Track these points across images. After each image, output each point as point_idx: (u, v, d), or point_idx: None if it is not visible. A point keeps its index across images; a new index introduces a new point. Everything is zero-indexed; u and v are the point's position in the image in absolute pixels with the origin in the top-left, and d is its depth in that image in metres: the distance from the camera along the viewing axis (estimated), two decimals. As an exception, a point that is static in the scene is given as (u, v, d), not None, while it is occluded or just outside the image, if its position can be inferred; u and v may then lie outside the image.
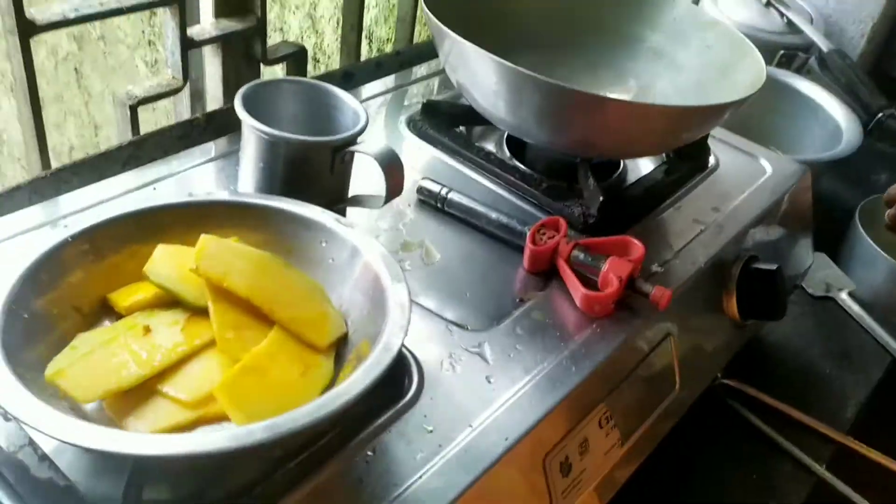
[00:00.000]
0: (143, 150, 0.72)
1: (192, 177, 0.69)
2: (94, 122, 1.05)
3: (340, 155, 0.61)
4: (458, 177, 0.76)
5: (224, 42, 0.76)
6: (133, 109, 0.71)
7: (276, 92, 0.66)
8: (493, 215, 0.69)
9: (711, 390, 0.83)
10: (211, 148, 0.73)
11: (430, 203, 0.71)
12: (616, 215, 0.72)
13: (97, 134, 1.08)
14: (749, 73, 0.76)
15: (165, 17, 0.71)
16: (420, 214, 0.71)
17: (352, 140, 0.61)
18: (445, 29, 0.70)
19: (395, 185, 0.61)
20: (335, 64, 0.92)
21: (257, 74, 0.82)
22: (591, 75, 0.88)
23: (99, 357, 0.46)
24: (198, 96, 0.80)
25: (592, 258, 0.65)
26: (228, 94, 0.79)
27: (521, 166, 0.77)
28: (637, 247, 0.67)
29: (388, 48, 1.06)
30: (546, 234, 0.67)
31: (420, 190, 0.71)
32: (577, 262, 0.66)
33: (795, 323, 0.95)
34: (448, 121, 0.80)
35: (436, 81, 0.92)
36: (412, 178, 0.73)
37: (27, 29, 0.60)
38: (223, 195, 0.57)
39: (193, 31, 0.73)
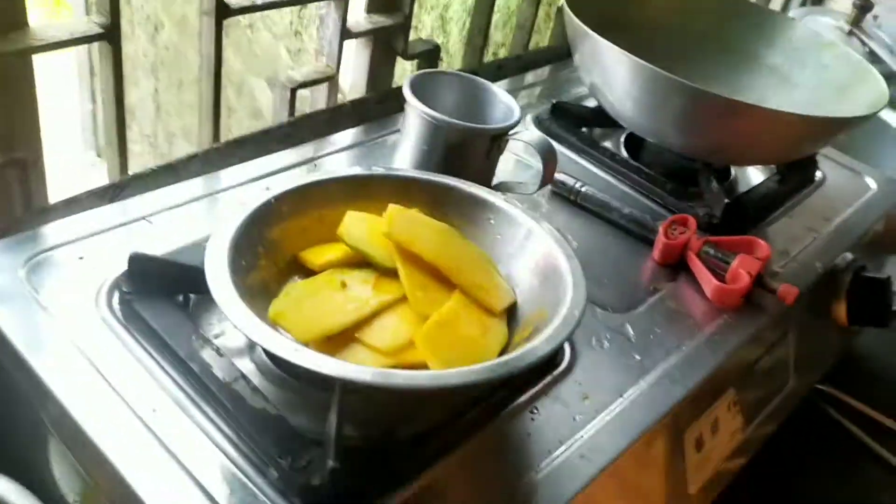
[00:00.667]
0: (296, 130, 0.77)
1: (344, 158, 0.75)
2: (229, 105, 1.11)
3: (498, 142, 0.66)
4: (585, 173, 0.80)
5: (374, 36, 0.81)
6: (293, 92, 0.76)
7: (437, 83, 0.71)
8: (627, 210, 0.74)
9: (808, 396, 0.87)
10: (353, 134, 0.78)
11: (564, 195, 0.76)
12: (737, 218, 0.76)
13: (230, 116, 1.14)
14: (869, 94, 0.80)
15: (329, 9, 0.76)
16: (554, 205, 0.75)
17: (509, 129, 0.66)
18: (587, 29, 0.75)
19: (549, 173, 0.66)
20: (457, 63, 0.97)
21: (393, 67, 0.87)
22: (708, 88, 0.92)
23: (310, 304, 0.51)
24: (334, 85, 0.85)
25: (722, 254, 0.69)
26: (369, 85, 0.85)
27: (643, 167, 0.81)
28: (763, 246, 0.71)
29: (503, 52, 1.12)
30: (676, 229, 0.72)
31: (556, 182, 0.76)
32: (707, 256, 0.70)
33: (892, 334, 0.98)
34: (574, 122, 0.85)
35: (550, 86, 0.97)
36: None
37: (222, 11, 0.66)
38: (404, 171, 0.62)
39: (349, 23, 0.79)
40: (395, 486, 0.47)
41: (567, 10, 0.77)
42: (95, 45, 0.61)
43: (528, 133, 0.66)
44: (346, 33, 0.78)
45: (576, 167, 0.81)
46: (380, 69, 0.86)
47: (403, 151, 0.69)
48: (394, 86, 0.88)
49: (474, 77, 0.72)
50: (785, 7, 1.60)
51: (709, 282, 0.68)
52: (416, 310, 0.52)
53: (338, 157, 0.75)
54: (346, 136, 0.78)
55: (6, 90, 0.58)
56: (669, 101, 0.72)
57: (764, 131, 0.73)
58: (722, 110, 0.71)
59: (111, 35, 0.61)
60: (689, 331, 0.64)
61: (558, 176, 0.76)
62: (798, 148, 0.77)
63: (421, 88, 0.69)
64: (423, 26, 1.01)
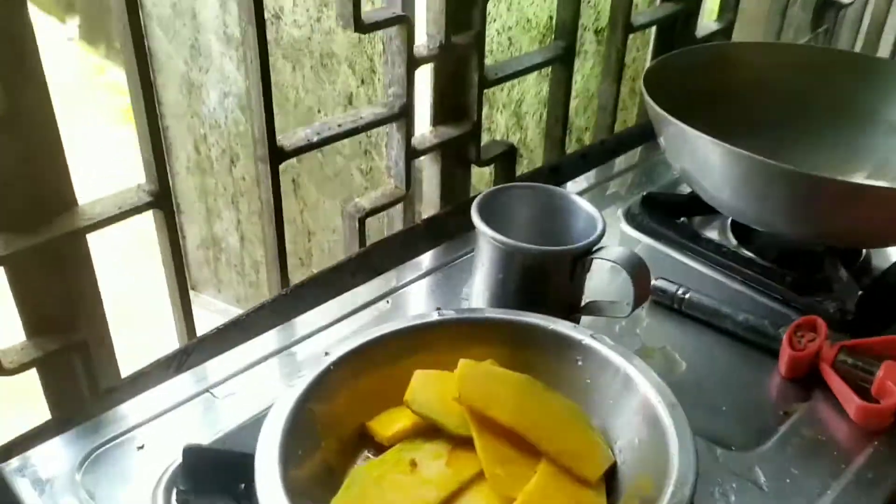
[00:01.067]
0: (369, 260, 0.73)
1: (419, 289, 0.69)
2: (308, 229, 1.10)
3: (581, 262, 0.59)
4: (688, 272, 0.72)
5: (443, 149, 0.76)
6: (361, 222, 0.72)
7: (510, 198, 0.65)
8: (741, 317, 0.64)
9: None
10: (430, 257, 0.73)
11: (666, 304, 0.67)
12: (876, 311, 0.66)
13: (310, 239, 1.13)
14: None
15: (391, 130, 0.72)
16: (655, 316, 0.67)
17: (591, 247, 0.59)
18: (667, 116, 0.67)
19: (642, 292, 0.58)
20: (538, 158, 0.91)
21: (469, 176, 0.82)
22: (818, 156, 0.82)
23: (376, 495, 0.45)
24: (409, 201, 0.81)
25: (863, 362, 0.59)
26: (444, 197, 0.80)
27: (756, 257, 0.72)
28: (912, 349, 0.60)
29: (587, 137, 1.05)
30: (804, 336, 0.62)
31: (654, 290, 0.68)
32: (844, 367, 0.59)
33: None
34: (669, 211, 0.77)
35: (641, 171, 0.89)
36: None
37: (278, 155, 0.63)
38: (474, 312, 0.56)
39: (415, 141, 0.75)
40: None
41: (645, 93, 0.70)
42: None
43: (613, 250, 0.59)
44: (412, 153, 0.73)
45: (677, 266, 0.73)
46: (453, 181, 0.81)
47: (478, 280, 0.63)
48: (473, 194, 0.82)
49: (549, 187, 0.66)
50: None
51: (850, 400, 0.57)
52: (496, 491, 0.46)
53: (414, 287, 0.70)
54: (423, 261, 0.73)
55: (61, 272, 0.57)
56: (775, 189, 0.63)
57: (890, 213, 0.62)
58: (840, 196, 0.61)
59: (162, 202, 0.58)
60: (834, 466, 0.54)
61: (657, 283, 0.68)
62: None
63: (491, 207, 0.63)
64: (497, 126, 0.96)
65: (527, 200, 0.66)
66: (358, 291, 0.68)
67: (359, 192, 1.05)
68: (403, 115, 0.70)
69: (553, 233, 0.65)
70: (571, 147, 1.07)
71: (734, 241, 0.75)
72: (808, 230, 0.67)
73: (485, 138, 0.96)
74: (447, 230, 0.77)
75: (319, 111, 1.01)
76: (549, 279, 0.60)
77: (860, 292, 0.64)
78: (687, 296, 0.66)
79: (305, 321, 0.65)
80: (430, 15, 0.70)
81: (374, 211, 0.74)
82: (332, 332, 0.64)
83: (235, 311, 1.28)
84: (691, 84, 0.81)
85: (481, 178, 1.01)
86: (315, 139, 0.65)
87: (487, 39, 0.93)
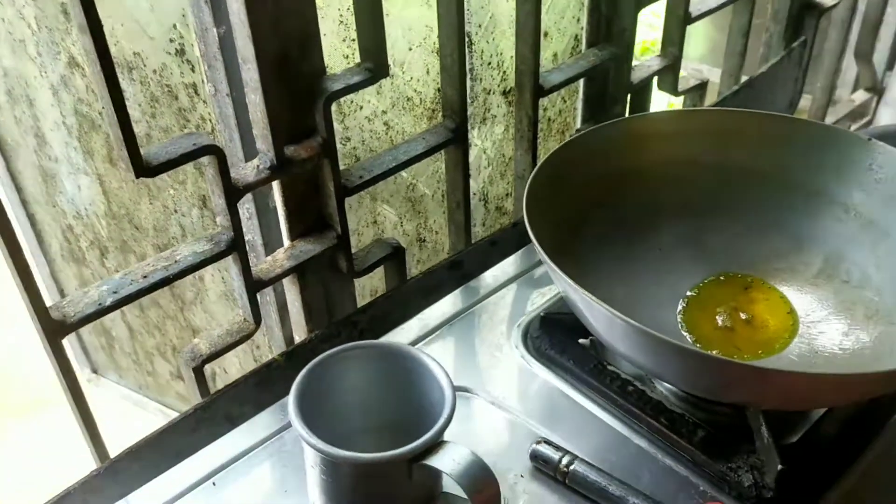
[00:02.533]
0: (212, 412, 0.62)
1: (259, 461, 0.58)
2: (192, 326, 0.99)
3: (418, 466, 0.48)
4: (586, 421, 0.60)
5: (300, 270, 0.65)
6: (198, 371, 0.62)
7: (347, 363, 0.54)
8: (631, 501, 0.52)
9: None
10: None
11: (549, 475, 0.56)
12: (805, 475, 0.53)
13: (195, 336, 1.02)
14: None
15: (228, 263, 0.61)
16: (538, 491, 0.56)
17: (431, 446, 0.48)
18: (542, 253, 0.55)
19: (485, 511, 0.47)
20: (445, 238, 0.79)
21: (349, 287, 0.70)
22: (759, 244, 0.69)
23: None
24: (285, 322, 0.70)
25: (771, 578, 0.47)
26: (314, 320, 0.69)
27: (670, 400, 0.59)
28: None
29: (509, 203, 0.93)
30: (703, 533, 0.50)
31: (535, 456, 0.56)
32: (749, 582, 0.48)
33: None
34: (571, 335, 0.64)
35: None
36: (526, 430, 0.59)
37: (55, 330, 0.52)
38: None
39: (264, 266, 0.63)
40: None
41: (527, 223, 0.57)
42: None
43: (447, 453, 0.47)
44: (256, 284, 0.62)
45: (575, 412, 0.61)
46: (328, 299, 0.69)
47: (311, 481, 0.52)
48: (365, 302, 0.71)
49: (394, 347, 0.54)
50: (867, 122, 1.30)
51: None
52: None
53: (254, 459, 0.59)
54: (273, 416, 0.62)
55: None
56: (671, 365, 0.51)
57: (812, 394, 0.49)
58: (743, 378, 0.49)
59: None
60: None
61: (539, 448, 0.56)
62: (877, 393, 0.53)
63: (324, 377, 0.52)
64: (385, 219, 0.83)
65: (371, 361, 0.55)
66: (182, 470, 0.58)
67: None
68: (233, 250, 0.59)
69: (402, 394, 0.54)
70: (492, 218, 0.94)
71: (639, 382, 0.63)
72: (714, 396, 0.55)
73: (370, 235, 0.84)
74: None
75: (176, 211, 0.89)
76: (384, 482, 0.50)
77: (780, 467, 0.52)
78: (572, 467, 0.55)
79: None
80: (256, 130, 0.58)
81: (216, 354, 0.63)
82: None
83: (138, 399, 1.18)
84: (598, 168, 0.68)
85: (369, 283, 0.89)
86: (110, 301, 0.54)
87: (356, 129, 0.81)
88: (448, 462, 0.47)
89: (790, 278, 0.67)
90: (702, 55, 1.86)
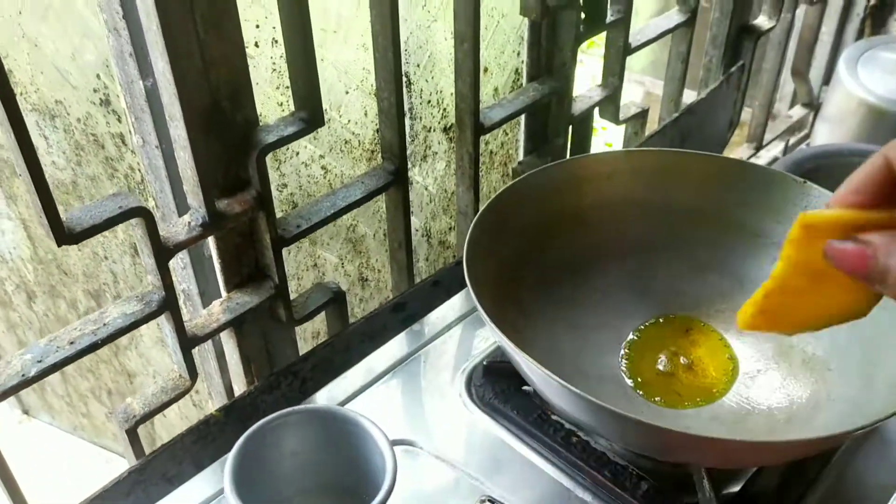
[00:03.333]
0: (148, 473, 0.60)
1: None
2: (127, 370, 0.96)
3: (357, 537, 0.47)
4: (529, 472, 0.60)
5: (237, 322, 0.63)
6: (132, 432, 0.60)
7: (283, 429, 0.53)
8: (574, 562, 0.52)
9: None
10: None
11: (493, 535, 0.55)
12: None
13: (132, 381, 0.99)
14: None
15: (161, 321, 0.59)
16: (480, 551, 0.55)
17: (369, 521, 0.47)
18: (478, 304, 0.54)
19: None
20: (387, 276, 0.78)
21: (289, 335, 0.69)
22: (700, 285, 0.70)
23: None
24: (224, 370, 0.68)
25: None
26: (254, 371, 0.67)
27: (614, 451, 0.59)
28: None
29: (452, 238, 0.92)
30: None
31: (477, 517, 0.56)
32: None
33: None
34: (516, 380, 0.64)
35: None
36: (471, 485, 0.58)
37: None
38: None
39: (199, 321, 0.61)
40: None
41: (465, 272, 0.56)
42: None
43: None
44: (190, 341, 0.60)
45: (517, 464, 0.60)
46: (269, 344, 0.68)
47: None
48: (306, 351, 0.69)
49: (333, 411, 0.53)
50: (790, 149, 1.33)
51: None
52: None
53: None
54: (218, 471, 0.60)
55: None
56: (609, 427, 0.51)
57: (748, 457, 0.50)
58: (679, 443, 0.48)
59: None
60: None
61: (482, 506, 0.56)
62: (811, 453, 0.54)
63: (264, 443, 0.51)
64: (325, 262, 0.82)
65: (309, 426, 0.53)
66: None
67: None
68: (166, 309, 0.57)
69: (350, 461, 0.53)
70: (435, 252, 0.94)
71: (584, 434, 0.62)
72: (647, 453, 0.55)
73: (310, 278, 0.82)
74: (259, 413, 0.65)
75: (106, 258, 0.87)
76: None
77: (720, 523, 0.52)
78: (515, 527, 0.54)
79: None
80: (186, 186, 0.56)
81: (150, 414, 0.61)
82: None
83: (71, 441, 1.14)
84: (542, 210, 0.68)
85: (313, 330, 0.87)
86: (32, 373, 0.51)
87: (293, 175, 0.79)
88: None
89: (730, 319, 0.68)
90: (643, 67, 1.88)
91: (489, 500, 0.56)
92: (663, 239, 0.71)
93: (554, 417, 0.62)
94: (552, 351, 0.63)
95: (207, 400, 0.89)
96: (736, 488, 0.57)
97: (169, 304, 0.57)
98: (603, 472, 0.58)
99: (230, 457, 0.49)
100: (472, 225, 0.61)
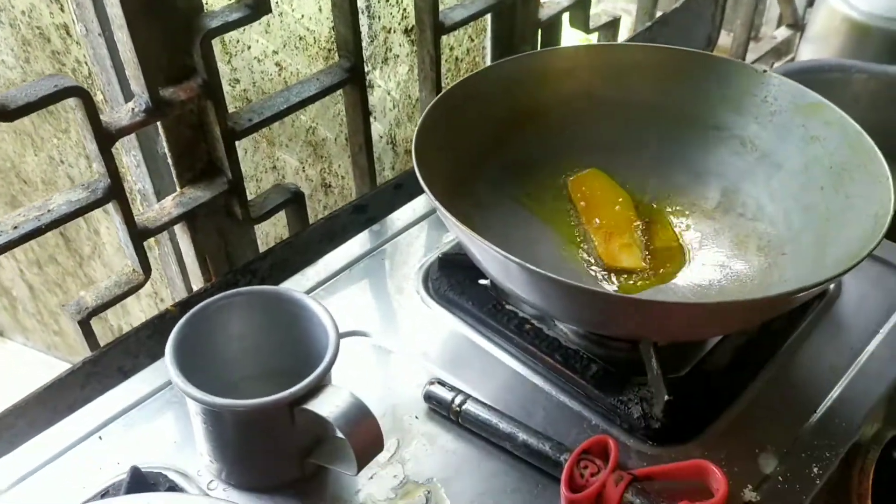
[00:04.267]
0: (103, 365, 0.61)
1: (147, 413, 0.57)
2: (92, 279, 0.96)
3: (299, 410, 0.47)
4: (485, 361, 0.60)
5: (191, 216, 0.63)
6: (84, 324, 0.60)
7: (230, 309, 0.53)
8: (521, 437, 0.53)
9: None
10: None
11: (443, 415, 0.56)
12: (693, 406, 0.54)
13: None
14: (867, 196, 0.55)
15: (107, 212, 0.59)
16: (431, 431, 0.55)
17: (311, 390, 0.47)
18: (427, 190, 0.53)
19: (364, 452, 0.46)
20: (351, 184, 0.77)
21: (247, 233, 0.69)
22: (660, 179, 0.69)
23: None
24: (185, 273, 0.68)
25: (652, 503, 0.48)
26: (212, 270, 0.67)
27: (567, 337, 0.59)
28: (717, 479, 0.49)
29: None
30: (590, 465, 0.50)
31: (428, 397, 0.56)
32: (632, 510, 0.48)
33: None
34: (472, 273, 0.64)
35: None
36: (424, 373, 0.59)
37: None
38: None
39: (150, 214, 0.61)
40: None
41: (414, 160, 0.56)
42: None
43: (326, 397, 0.46)
44: (141, 233, 0.60)
45: (473, 352, 0.61)
46: (226, 246, 0.68)
47: (195, 427, 0.51)
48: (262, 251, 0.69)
49: (278, 291, 0.53)
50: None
51: (630, 562, 0.47)
52: None
53: (145, 410, 0.57)
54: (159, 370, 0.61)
55: None
56: (555, 300, 0.51)
57: (693, 324, 0.50)
58: (626, 310, 0.48)
59: None
60: None
61: (432, 388, 0.56)
62: (755, 321, 0.54)
63: (208, 324, 0.51)
64: (285, 165, 0.81)
65: (255, 307, 0.53)
66: (70, 423, 0.56)
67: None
68: (112, 197, 0.56)
69: (297, 344, 0.53)
70: (402, 161, 0.93)
71: (537, 321, 0.62)
72: (600, 331, 0.55)
73: (270, 181, 0.82)
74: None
75: (62, 161, 0.86)
76: (266, 428, 0.49)
77: (667, 398, 0.52)
78: (464, 406, 0.55)
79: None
80: (129, 71, 0.55)
81: (102, 307, 0.61)
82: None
83: (45, 360, 1.15)
84: (499, 105, 0.67)
85: (274, 229, 0.87)
86: (-25, 255, 0.51)
87: (245, 70, 0.78)
88: (327, 406, 0.46)
89: (689, 212, 0.67)
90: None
91: (438, 382, 0.56)
92: (623, 135, 0.70)
93: (508, 307, 0.62)
94: (506, 241, 0.63)
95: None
96: (685, 370, 0.57)
97: (115, 193, 0.57)
98: (554, 357, 0.58)
99: (172, 333, 0.49)
100: (423, 114, 0.60)
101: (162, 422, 0.56)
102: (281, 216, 0.71)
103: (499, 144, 0.67)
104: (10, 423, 0.57)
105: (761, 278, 0.59)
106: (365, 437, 0.46)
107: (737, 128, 0.67)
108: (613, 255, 0.63)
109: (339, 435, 0.49)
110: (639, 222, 0.66)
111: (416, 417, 0.56)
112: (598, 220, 0.66)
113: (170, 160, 0.62)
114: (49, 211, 0.55)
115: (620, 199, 0.67)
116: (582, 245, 0.65)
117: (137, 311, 0.98)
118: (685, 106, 0.68)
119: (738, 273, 0.61)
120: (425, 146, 0.58)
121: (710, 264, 0.63)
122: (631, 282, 0.62)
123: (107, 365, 0.61)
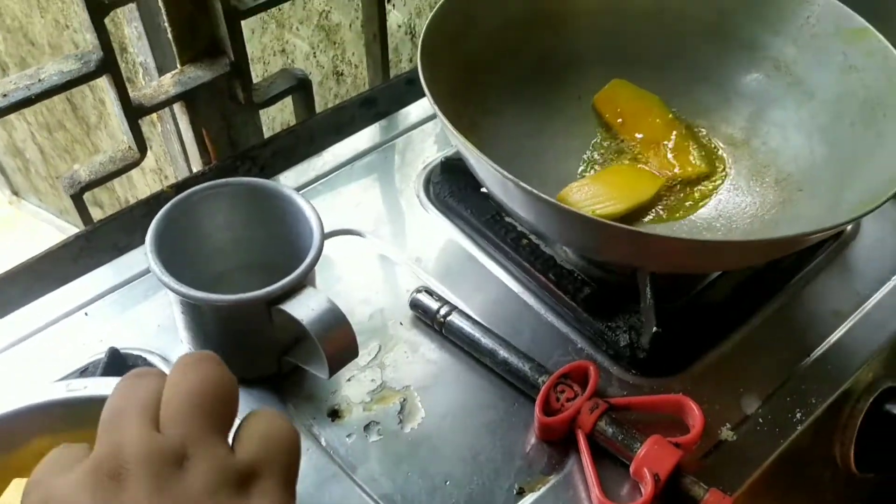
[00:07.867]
0: (97, 241, 0.60)
1: (135, 294, 0.57)
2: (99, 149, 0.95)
3: (276, 310, 0.46)
4: (477, 272, 0.59)
5: (190, 96, 0.61)
6: (77, 198, 0.59)
7: (215, 200, 0.51)
8: (502, 354, 0.52)
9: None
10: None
11: (428, 324, 0.55)
12: (682, 339, 0.53)
13: None
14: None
15: (105, 85, 0.57)
16: (415, 339, 0.55)
17: (289, 290, 0.46)
18: (436, 107, 0.50)
19: (336, 358, 0.46)
20: (365, 74, 0.74)
21: (252, 118, 0.67)
22: (684, 97, 0.65)
23: None
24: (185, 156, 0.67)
25: (625, 435, 0.47)
26: (214, 151, 0.65)
27: (563, 257, 0.57)
28: (694, 416, 0.48)
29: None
30: (567, 390, 0.50)
31: (414, 304, 0.55)
32: (603, 438, 0.48)
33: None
34: (472, 183, 0.62)
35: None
36: (414, 279, 0.58)
37: None
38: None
39: (145, 94, 0.59)
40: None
41: (419, 63, 0.53)
42: None
43: (303, 299, 0.45)
44: (137, 111, 0.58)
45: (467, 264, 0.59)
46: (230, 128, 0.66)
47: (177, 317, 0.51)
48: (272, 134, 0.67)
49: (261, 184, 0.51)
50: None
51: (593, 488, 0.47)
52: None
53: (133, 289, 0.57)
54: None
55: None
56: (549, 223, 0.49)
57: (691, 260, 0.47)
58: (618, 240, 0.46)
59: None
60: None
61: (418, 295, 0.55)
62: (759, 260, 0.51)
63: (193, 213, 0.50)
64: (296, 49, 0.76)
65: (242, 200, 0.52)
66: (59, 295, 0.56)
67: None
68: (105, 70, 0.55)
69: (283, 239, 0.52)
70: (404, 68, 0.88)
71: (535, 237, 0.60)
72: (601, 258, 0.53)
73: (278, 64, 0.79)
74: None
75: (68, 26, 0.83)
76: (245, 325, 0.48)
77: (655, 329, 0.51)
78: (449, 317, 0.54)
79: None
80: (125, -64, 0.52)
81: (96, 182, 0.60)
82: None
83: (59, 224, 1.16)
84: (516, 8, 0.63)
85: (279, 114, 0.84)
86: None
87: None
88: (303, 308, 0.45)
89: (710, 135, 0.64)
90: None
91: (426, 291, 0.55)
92: (651, 48, 0.65)
93: (507, 220, 0.60)
94: (512, 152, 0.60)
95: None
96: (681, 301, 0.56)
97: (109, 66, 0.55)
98: (548, 275, 0.56)
99: (154, 221, 0.48)
100: (431, 14, 0.56)
101: (148, 304, 0.56)
102: (290, 102, 0.69)
103: (517, 46, 0.64)
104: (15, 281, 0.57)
105: (773, 214, 0.56)
106: (338, 343, 0.45)
107: (773, 48, 0.62)
108: (670, 164, 0.61)
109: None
110: (680, 125, 0.63)
111: (401, 324, 0.55)
112: (639, 135, 0.63)
113: (170, 35, 0.59)
114: (40, 80, 0.53)
115: (655, 108, 0.64)
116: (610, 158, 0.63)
117: (143, 185, 0.97)
118: (720, 19, 0.63)
119: (749, 206, 0.58)
120: (435, 40, 0.55)
121: (723, 192, 0.60)
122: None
123: (102, 240, 0.61)
